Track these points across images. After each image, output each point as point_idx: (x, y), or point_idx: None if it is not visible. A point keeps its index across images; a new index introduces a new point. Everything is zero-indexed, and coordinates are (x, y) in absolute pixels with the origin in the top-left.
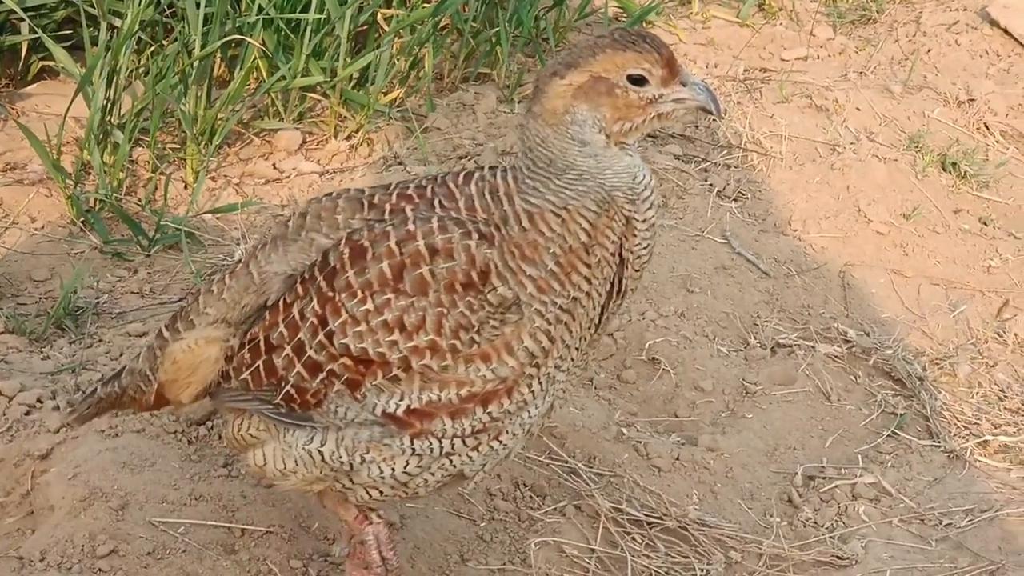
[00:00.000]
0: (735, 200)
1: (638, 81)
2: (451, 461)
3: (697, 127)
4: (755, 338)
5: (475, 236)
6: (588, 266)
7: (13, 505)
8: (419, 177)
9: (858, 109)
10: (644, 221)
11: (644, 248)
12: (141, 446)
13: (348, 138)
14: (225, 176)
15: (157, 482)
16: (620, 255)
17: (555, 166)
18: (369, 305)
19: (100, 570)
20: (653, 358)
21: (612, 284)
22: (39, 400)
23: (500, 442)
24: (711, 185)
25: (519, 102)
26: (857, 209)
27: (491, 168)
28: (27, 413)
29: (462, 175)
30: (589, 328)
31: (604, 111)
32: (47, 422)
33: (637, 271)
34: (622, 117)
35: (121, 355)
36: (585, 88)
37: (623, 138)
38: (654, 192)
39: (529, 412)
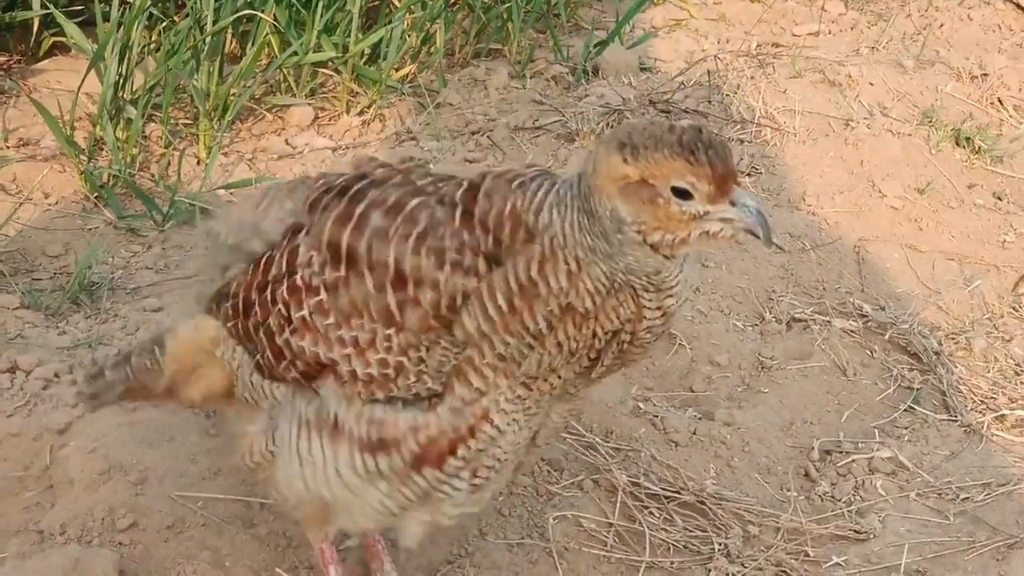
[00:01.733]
0: (749, 175)
1: (682, 194)
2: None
3: (710, 102)
4: (770, 313)
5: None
6: (577, 332)
7: (32, 479)
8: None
9: (871, 84)
10: (659, 309)
11: (647, 334)
12: (159, 420)
13: (360, 114)
14: (238, 152)
15: (176, 456)
16: (616, 334)
17: (588, 208)
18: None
19: (120, 543)
20: (669, 332)
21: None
22: (56, 375)
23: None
24: None
25: (530, 78)
26: (871, 184)
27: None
28: (44, 387)
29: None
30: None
31: (645, 218)
32: (64, 396)
33: (638, 348)
34: (662, 228)
35: (137, 330)
36: (631, 189)
37: (666, 250)
38: (681, 286)
39: None
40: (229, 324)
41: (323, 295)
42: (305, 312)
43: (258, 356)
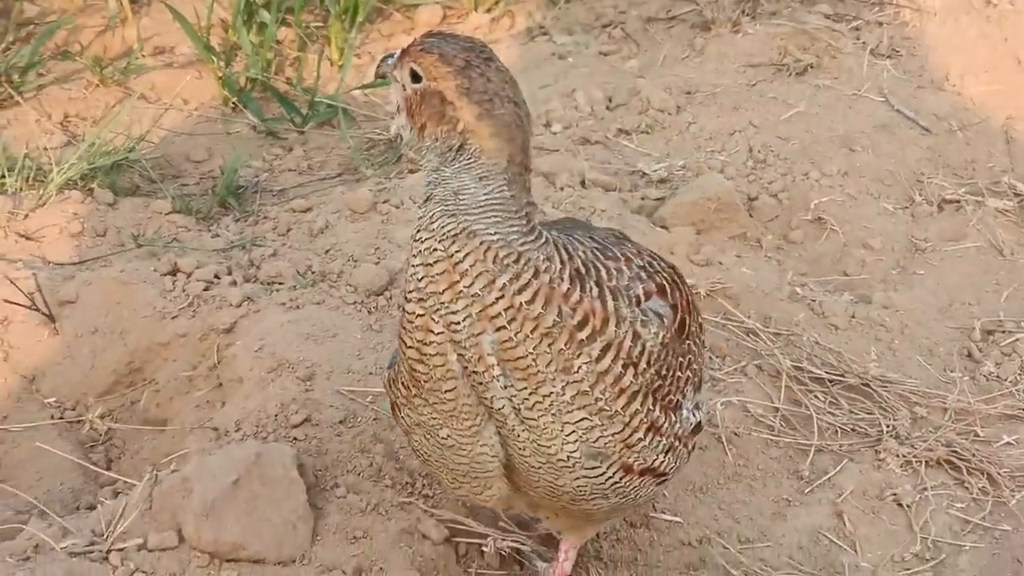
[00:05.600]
0: (889, 57)
1: None
2: None
3: None
4: (920, 195)
5: None
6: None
7: (201, 378)
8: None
9: None
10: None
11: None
12: (322, 318)
13: (489, 11)
14: (369, 53)
15: (341, 352)
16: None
17: None
18: None
19: (295, 439)
20: (819, 217)
21: None
22: (216, 276)
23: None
24: (864, 43)
25: None
26: (1017, 61)
27: None
28: (206, 289)
29: None
30: None
31: None
32: (227, 296)
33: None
34: None
35: (288, 231)
36: None
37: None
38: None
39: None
40: None
41: None
42: None
43: None
